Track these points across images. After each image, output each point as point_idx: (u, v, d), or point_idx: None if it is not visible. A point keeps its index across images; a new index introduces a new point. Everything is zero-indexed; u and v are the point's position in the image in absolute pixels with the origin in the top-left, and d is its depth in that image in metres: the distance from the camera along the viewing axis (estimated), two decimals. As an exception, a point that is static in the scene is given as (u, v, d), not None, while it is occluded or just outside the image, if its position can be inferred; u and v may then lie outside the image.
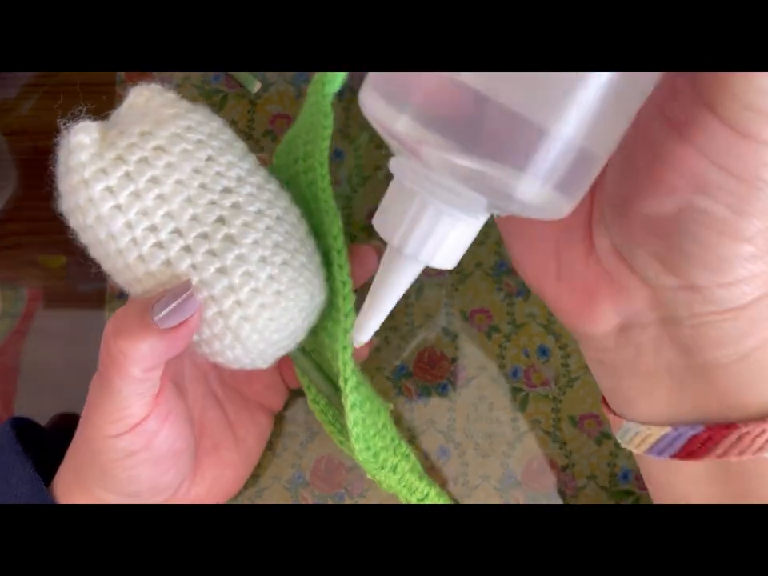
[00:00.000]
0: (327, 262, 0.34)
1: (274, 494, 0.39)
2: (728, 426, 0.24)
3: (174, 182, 0.30)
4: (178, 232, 0.30)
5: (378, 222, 0.23)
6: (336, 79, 0.34)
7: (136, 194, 0.29)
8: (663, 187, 0.22)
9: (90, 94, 0.43)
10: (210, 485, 0.36)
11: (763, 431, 0.24)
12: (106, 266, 0.31)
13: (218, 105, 0.42)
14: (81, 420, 0.32)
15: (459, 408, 0.39)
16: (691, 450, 0.25)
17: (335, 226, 0.33)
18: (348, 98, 0.42)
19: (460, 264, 0.41)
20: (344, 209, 0.41)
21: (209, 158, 0.31)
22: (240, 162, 0.32)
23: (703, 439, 0.24)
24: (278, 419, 0.39)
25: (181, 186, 0.30)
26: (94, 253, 0.31)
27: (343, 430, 0.36)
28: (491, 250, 0.40)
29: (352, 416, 0.32)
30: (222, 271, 0.30)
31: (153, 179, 0.30)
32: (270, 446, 0.39)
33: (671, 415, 0.25)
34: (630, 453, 0.38)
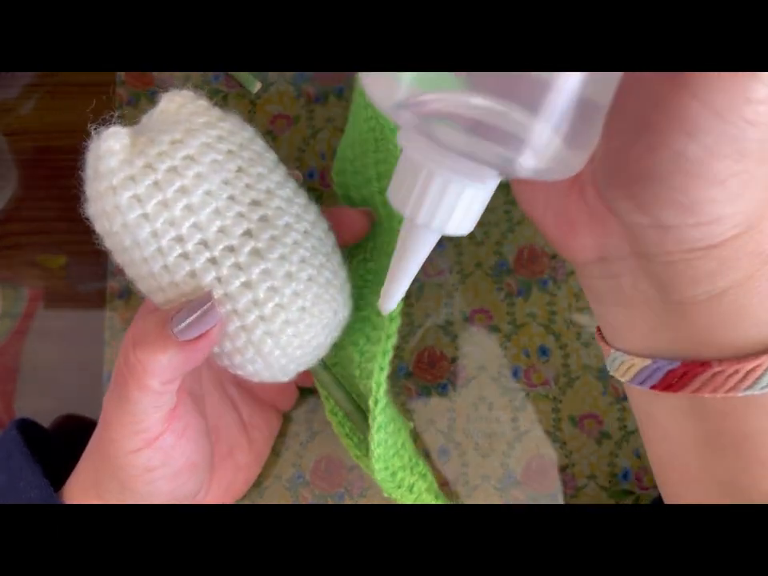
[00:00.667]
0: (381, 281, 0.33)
1: (274, 493, 0.39)
2: (702, 363, 0.25)
3: (203, 192, 0.29)
4: (204, 243, 0.29)
5: (391, 194, 0.23)
6: None
7: (164, 204, 0.29)
8: (649, 129, 0.22)
9: (90, 94, 0.43)
10: (225, 489, 0.36)
11: (736, 371, 0.24)
12: (130, 273, 0.31)
13: (218, 105, 0.42)
14: (96, 434, 0.32)
15: (459, 408, 0.39)
16: (669, 384, 0.26)
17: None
18: (348, 95, 0.42)
19: (460, 264, 0.41)
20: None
21: (239, 170, 0.30)
22: (270, 174, 0.31)
23: (679, 374, 0.25)
24: (278, 419, 0.39)
25: (209, 198, 0.29)
26: (119, 259, 0.31)
27: (360, 444, 0.35)
28: (491, 250, 0.40)
29: (377, 437, 0.32)
30: (246, 285, 0.29)
31: (181, 189, 0.29)
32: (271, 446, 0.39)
33: (652, 348, 0.26)
34: (630, 452, 0.38)
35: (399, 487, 0.34)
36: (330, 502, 0.39)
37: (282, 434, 0.39)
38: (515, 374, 0.39)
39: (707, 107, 0.21)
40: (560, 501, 0.38)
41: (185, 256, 0.29)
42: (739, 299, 0.24)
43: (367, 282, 0.35)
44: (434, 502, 0.36)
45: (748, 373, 0.24)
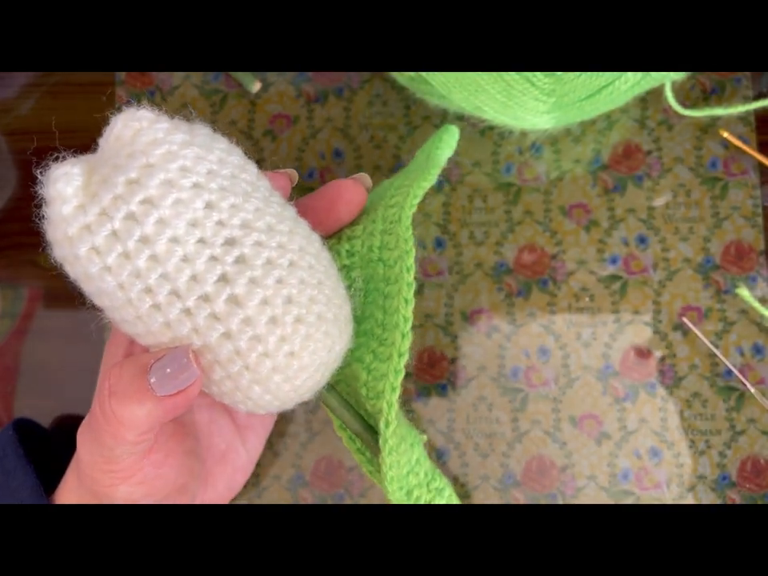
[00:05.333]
0: (390, 294, 0.31)
1: (274, 493, 0.39)
2: None
3: (168, 240, 0.26)
4: (175, 294, 0.27)
5: None
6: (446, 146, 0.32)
7: (125, 255, 0.26)
8: None
9: (89, 94, 0.43)
10: (222, 490, 0.36)
11: None
12: (107, 315, 0.28)
13: (217, 105, 0.42)
14: (74, 460, 0.31)
15: (459, 408, 0.39)
16: None
17: (410, 258, 0.30)
18: (347, 97, 0.42)
19: (460, 264, 0.41)
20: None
21: (207, 206, 0.27)
22: (247, 199, 0.28)
23: None
24: (278, 419, 0.39)
25: (175, 245, 0.26)
26: (93, 300, 0.28)
27: (372, 460, 0.34)
28: (491, 250, 0.40)
29: (389, 461, 0.30)
30: (226, 336, 0.27)
31: (143, 239, 0.26)
32: (270, 446, 0.39)
33: None
34: (630, 452, 0.38)
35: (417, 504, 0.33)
36: (329, 502, 0.39)
37: (281, 435, 0.39)
38: (515, 374, 0.39)
39: None
40: (560, 501, 0.38)
41: (156, 307, 0.27)
42: None
43: (369, 292, 0.33)
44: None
45: None
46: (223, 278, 0.27)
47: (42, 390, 0.41)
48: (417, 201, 0.31)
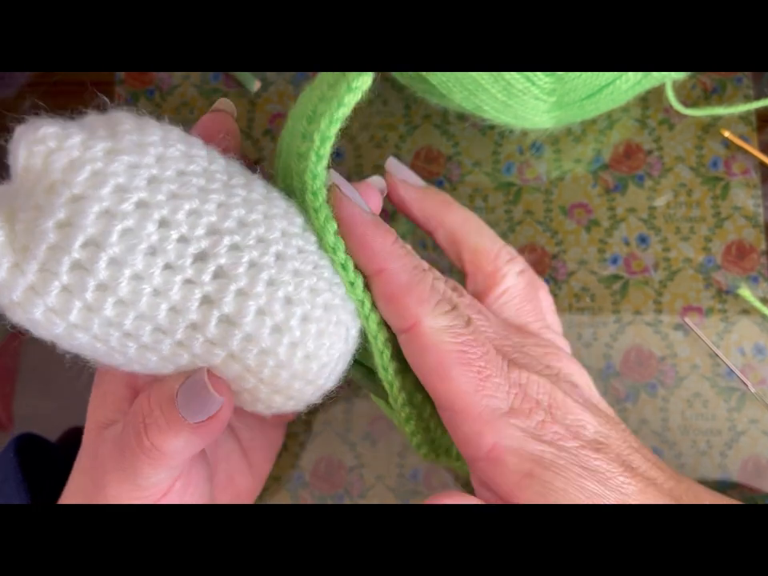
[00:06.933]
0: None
1: (273, 494, 0.39)
2: None
3: (129, 279, 0.22)
4: (160, 330, 0.23)
5: None
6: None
7: (88, 309, 0.23)
8: None
9: (89, 94, 0.43)
10: None
11: None
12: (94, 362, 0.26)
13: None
14: (84, 483, 0.30)
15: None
16: None
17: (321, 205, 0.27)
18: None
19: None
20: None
21: (161, 224, 0.23)
22: (207, 198, 0.24)
23: None
24: (278, 419, 0.39)
25: (139, 282, 0.23)
26: (71, 352, 0.25)
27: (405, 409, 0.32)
28: (491, 250, 0.40)
29: (408, 429, 0.30)
30: (231, 358, 0.24)
31: (100, 287, 0.22)
32: (270, 447, 0.39)
33: None
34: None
35: (447, 455, 0.32)
36: (329, 502, 0.39)
37: (281, 435, 0.39)
38: (515, 374, 0.39)
39: None
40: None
41: (144, 348, 0.24)
42: None
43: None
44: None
45: None
46: (206, 300, 0.23)
47: (41, 390, 0.41)
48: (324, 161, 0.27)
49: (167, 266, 0.23)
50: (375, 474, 0.38)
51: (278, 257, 0.24)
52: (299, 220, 0.26)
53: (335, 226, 0.26)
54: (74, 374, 0.41)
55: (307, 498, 0.39)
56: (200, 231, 0.23)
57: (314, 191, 0.26)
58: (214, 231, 0.23)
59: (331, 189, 0.27)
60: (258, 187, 0.26)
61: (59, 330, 0.23)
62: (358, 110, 0.42)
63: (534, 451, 0.27)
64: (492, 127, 0.41)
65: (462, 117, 0.41)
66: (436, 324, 0.27)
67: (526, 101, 0.35)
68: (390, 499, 0.38)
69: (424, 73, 0.35)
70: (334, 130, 0.26)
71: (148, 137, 0.24)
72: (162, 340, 0.24)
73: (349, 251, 0.26)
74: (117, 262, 0.22)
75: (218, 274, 0.23)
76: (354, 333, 0.27)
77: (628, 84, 0.35)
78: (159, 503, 0.29)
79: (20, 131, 0.23)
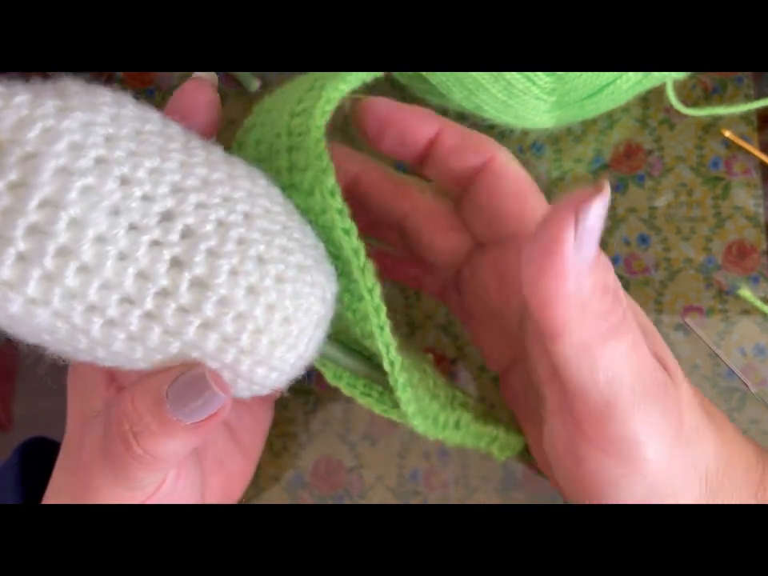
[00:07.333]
0: (325, 225, 0.26)
1: (272, 494, 0.39)
2: None
3: (92, 242, 0.21)
4: (127, 301, 0.22)
5: None
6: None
7: (47, 279, 0.21)
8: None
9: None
10: (220, 497, 0.35)
11: None
12: (52, 351, 0.24)
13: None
14: (69, 485, 0.30)
15: (460, 408, 0.39)
16: None
17: (328, 178, 0.26)
18: (347, 97, 0.42)
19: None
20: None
21: (123, 181, 0.21)
22: (166, 160, 0.23)
23: None
24: (278, 420, 0.39)
25: (104, 245, 0.21)
26: (29, 341, 0.24)
27: (382, 397, 0.31)
28: (492, 250, 0.40)
29: (404, 397, 0.28)
30: (206, 326, 0.23)
31: (61, 252, 0.21)
32: (270, 447, 0.39)
33: None
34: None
35: (444, 429, 0.31)
36: (329, 503, 0.39)
37: (280, 435, 0.39)
38: (516, 374, 0.39)
39: None
40: (560, 502, 0.38)
41: (110, 323, 0.22)
42: None
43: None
44: (483, 429, 0.32)
45: None
46: (176, 263, 0.22)
47: (41, 390, 0.41)
48: (331, 107, 0.26)
49: (132, 227, 0.21)
50: (375, 475, 0.38)
51: (246, 215, 0.23)
52: (263, 182, 0.25)
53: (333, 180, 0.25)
54: (74, 373, 0.41)
55: (307, 498, 0.39)
56: (164, 189, 0.22)
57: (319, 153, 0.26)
58: (178, 190, 0.22)
59: (354, 102, 0.27)
60: (217, 150, 0.25)
61: (15, 307, 0.21)
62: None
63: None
64: (492, 127, 0.41)
65: (462, 117, 0.41)
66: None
67: (526, 100, 0.35)
68: (389, 499, 0.38)
69: (424, 73, 0.35)
70: (335, 102, 0.26)
71: (99, 97, 0.23)
72: (130, 311, 0.22)
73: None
74: (78, 223, 0.21)
75: (186, 234, 0.22)
76: (329, 296, 0.26)
77: (628, 84, 0.35)
78: (150, 500, 0.28)
79: None
